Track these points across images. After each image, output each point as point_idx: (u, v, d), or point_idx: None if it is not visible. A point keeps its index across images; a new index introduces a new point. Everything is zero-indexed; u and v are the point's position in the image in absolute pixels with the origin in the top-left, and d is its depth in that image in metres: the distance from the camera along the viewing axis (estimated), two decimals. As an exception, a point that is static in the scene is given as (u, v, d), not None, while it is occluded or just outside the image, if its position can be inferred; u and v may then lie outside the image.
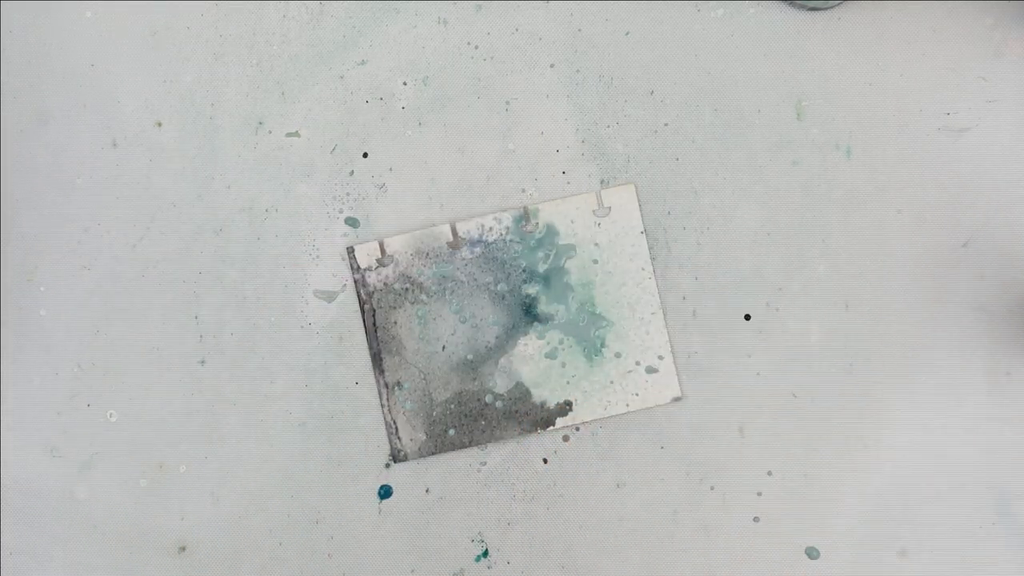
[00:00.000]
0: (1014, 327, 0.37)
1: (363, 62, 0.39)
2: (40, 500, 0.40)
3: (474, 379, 0.35)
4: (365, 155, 0.39)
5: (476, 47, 0.39)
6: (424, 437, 0.36)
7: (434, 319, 0.35)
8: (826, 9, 0.38)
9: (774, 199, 0.38)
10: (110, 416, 0.40)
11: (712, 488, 0.37)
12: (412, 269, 0.36)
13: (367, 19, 0.39)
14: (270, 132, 0.39)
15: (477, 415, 0.35)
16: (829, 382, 0.37)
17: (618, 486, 0.38)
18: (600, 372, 0.35)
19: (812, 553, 0.37)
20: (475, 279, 0.35)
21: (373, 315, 0.36)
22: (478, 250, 0.35)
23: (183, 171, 0.40)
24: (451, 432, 0.35)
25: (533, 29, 0.39)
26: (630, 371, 0.35)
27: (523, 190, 0.38)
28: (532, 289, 0.35)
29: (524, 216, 0.35)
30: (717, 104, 0.38)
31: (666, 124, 0.38)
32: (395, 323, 0.36)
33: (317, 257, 0.39)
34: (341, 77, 0.39)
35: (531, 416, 0.35)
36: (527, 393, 0.35)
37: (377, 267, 0.36)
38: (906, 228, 0.38)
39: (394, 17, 0.39)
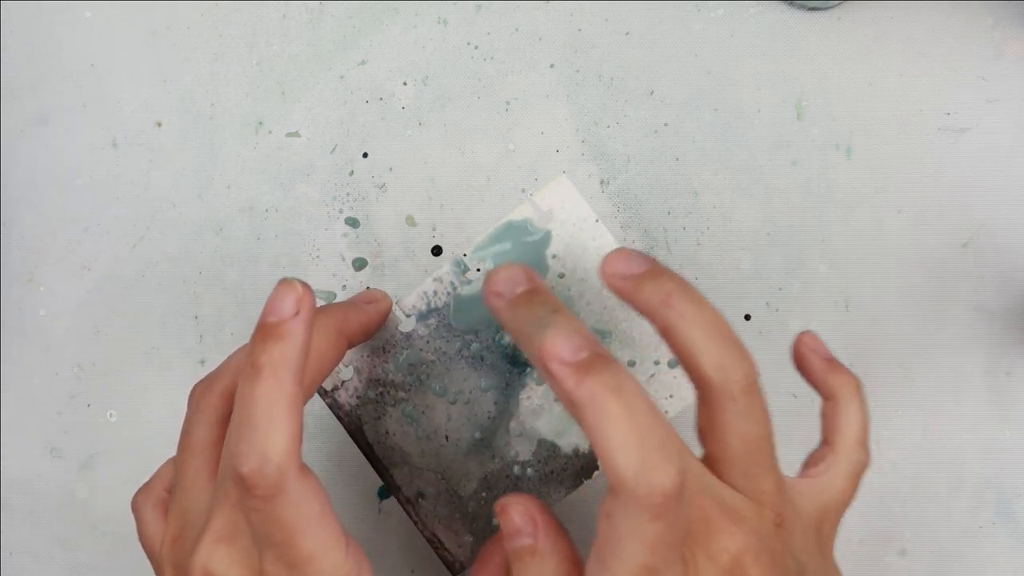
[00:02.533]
0: (1014, 327, 0.37)
1: (363, 62, 0.39)
2: (40, 500, 0.40)
3: (493, 457, 0.31)
4: (365, 155, 0.39)
5: (476, 47, 0.39)
6: (471, 538, 0.31)
7: (423, 412, 0.31)
8: (826, 9, 0.38)
9: (774, 199, 0.38)
10: (110, 416, 0.40)
11: (712, 488, 0.37)
12: (376, 370, 0.31)
13: (367, 19, 0.39)
14: (270, 132, 0.39)
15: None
16: (829, 382, 0.37)
17: (618, 486, 0.38)
18: None
19: (812, 553, 0.37)
20: (443, 352, 0.31)
21: (363, 434, 0.32)
22: (432, 321, 0.31)
23: (183, 171, 0.40)
24: (495, 522, 0.31)
25: (533, 29, 0.39)
26: (653, 374, 0.30)
27: (523, 190, 0.38)
28: (509, 335, 0.30)
29: (462, 265, 0.31)
30: (717, 104, 0.38)
31: (666, 124, 0.38)
32: (387, 433, 0.31)
33: (317, 257, 0.39)
34: (341, 77, 0.39)
35: (569, 470, 0.31)
36: (554, 448, 0.31)
37: (342, 385, 0.32)
38: (906, 228, 0.38)
39: (394, 17, 0.39)
